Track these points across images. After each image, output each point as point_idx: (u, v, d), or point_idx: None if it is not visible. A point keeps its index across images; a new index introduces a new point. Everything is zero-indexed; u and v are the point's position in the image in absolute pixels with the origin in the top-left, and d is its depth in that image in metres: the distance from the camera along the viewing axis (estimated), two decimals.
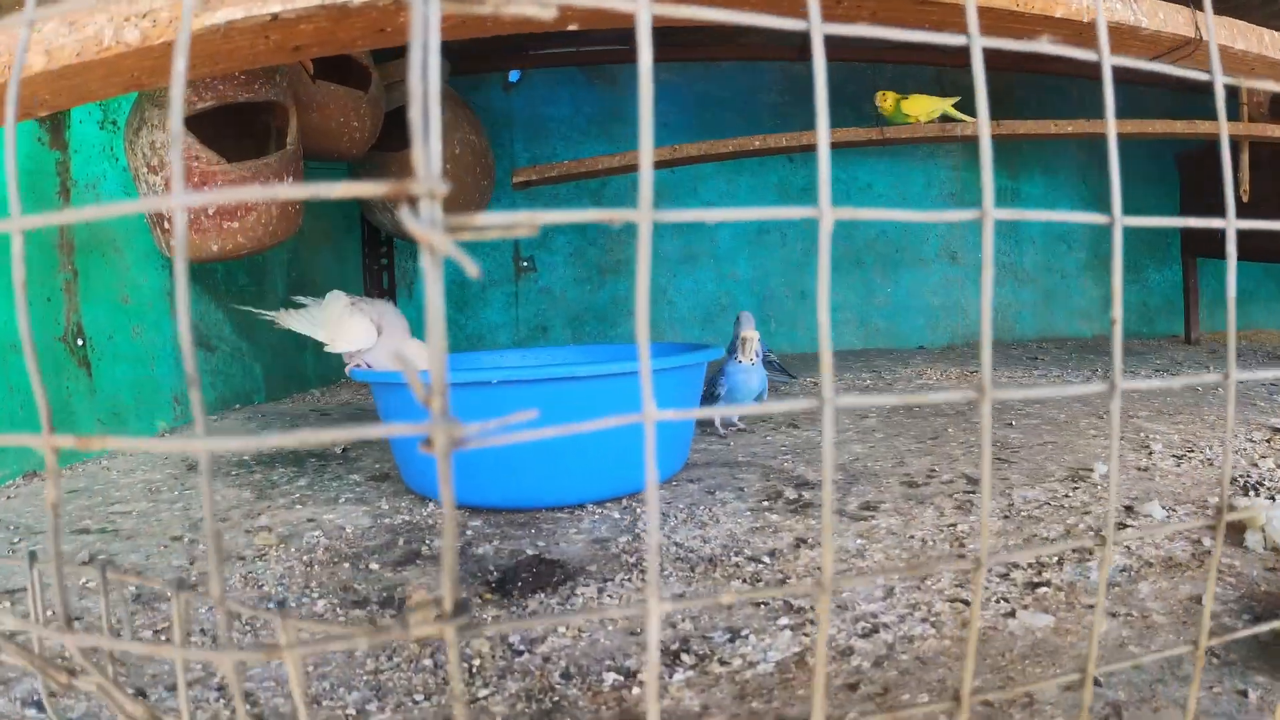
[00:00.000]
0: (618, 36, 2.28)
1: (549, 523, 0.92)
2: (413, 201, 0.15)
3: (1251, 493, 0.86)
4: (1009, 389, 0.26)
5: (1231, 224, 0.31)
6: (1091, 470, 0.97)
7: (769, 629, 0.59)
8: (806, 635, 0.57)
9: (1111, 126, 0.27)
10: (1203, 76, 0.30)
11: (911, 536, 0.76)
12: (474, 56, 2.50)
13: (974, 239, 2.77)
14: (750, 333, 1.26)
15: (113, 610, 0.52)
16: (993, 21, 0.80)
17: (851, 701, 0.49)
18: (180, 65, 0.17)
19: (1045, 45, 0.29)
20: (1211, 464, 1.00)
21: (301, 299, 1.31)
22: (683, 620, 0.61)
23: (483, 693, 0.54)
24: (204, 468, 0.19)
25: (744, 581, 0.68)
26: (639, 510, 0.93)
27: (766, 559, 0.73)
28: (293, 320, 1.25)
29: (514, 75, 2.61)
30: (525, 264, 2.66)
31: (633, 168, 1.99)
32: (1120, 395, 0.27)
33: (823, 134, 0.21)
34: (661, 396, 0.99)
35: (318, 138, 1.77)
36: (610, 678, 0.54)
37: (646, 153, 0.19)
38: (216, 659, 0.18)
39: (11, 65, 0.52)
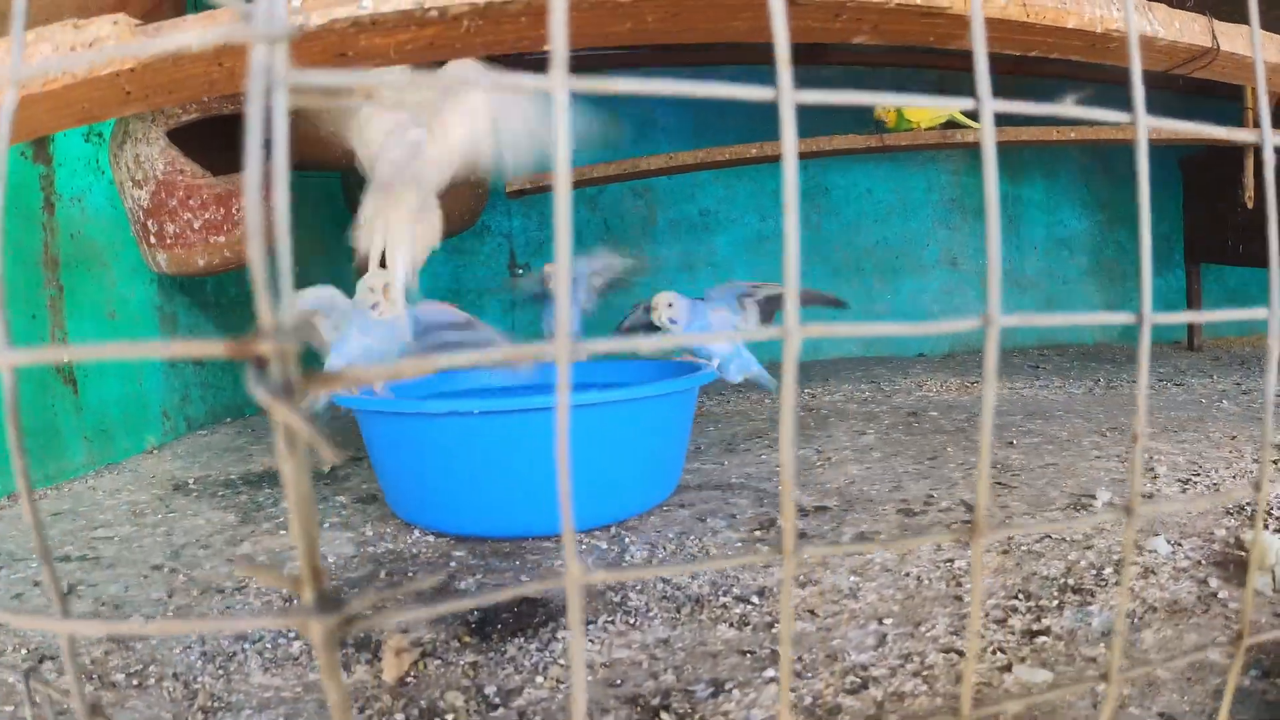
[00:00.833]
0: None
1: (535, 553, 0.89)
2: (260, 363, 0.12)
3: (1255, 509, 0.83)
4: (1015, 318, 0.23)
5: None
6: (1094, 498, 0.94)
7: (754, 681, 0.56)
8: (793, 691, 0.54)
9: (1144, 196, 0.24)
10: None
11: (907, 574, 0.74)
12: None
13: (975, 245, 2.74)
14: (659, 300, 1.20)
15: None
16: (1002, 34, 0.77)
17: None
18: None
19: (1070, 108, 0.27)
20: (1218, 490, 0.97)
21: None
22: (665, 671, 0.59)
23: None
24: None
25: (731, 625, 0.65)
26: (627, 540, 0.91)
27: (755, 599, 0.70)
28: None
29: None
30: (520, 271, 2.64)
31: (628, 175, 1.97)
32: (1149, 325, 0.25)
33: (790, 246, 0.18)
34: (651, 423, 0.96)
35: (309, 148, 1.75)
36: None
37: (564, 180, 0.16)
38: None
39: None
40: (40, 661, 0.71)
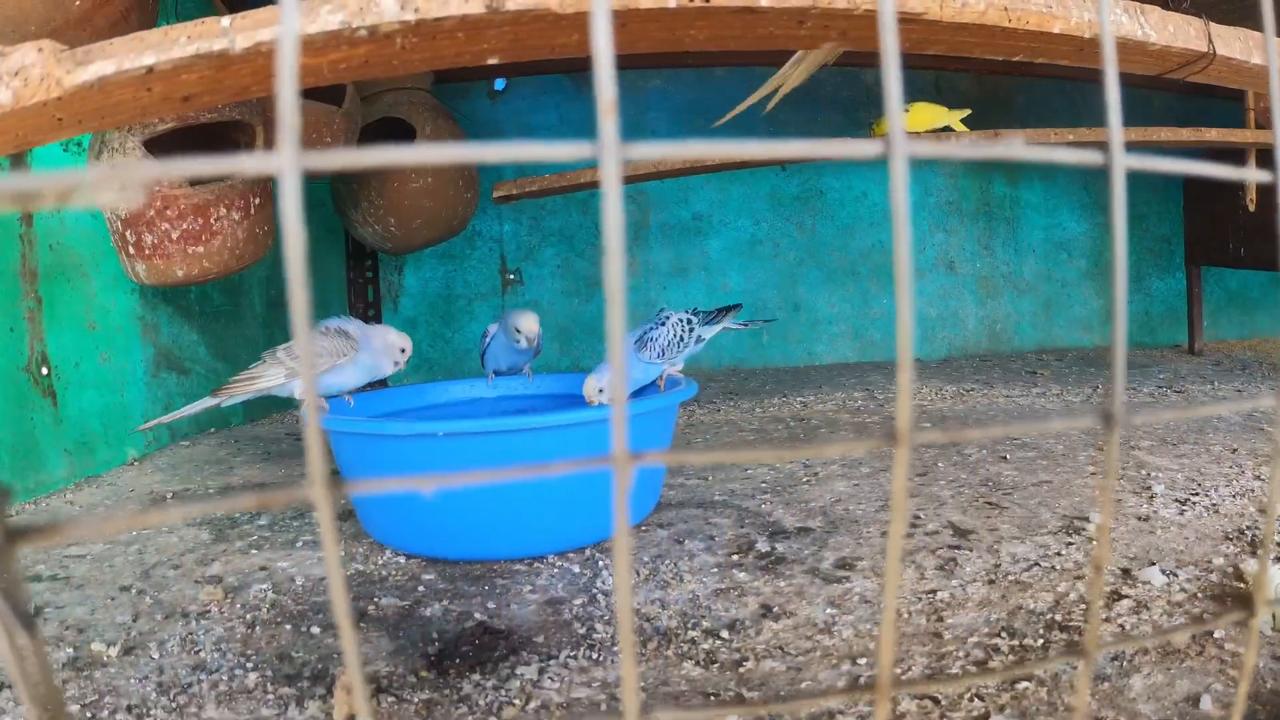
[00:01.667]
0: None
1: (505, 576, 0.87)
2: None
3: (1261, 549, 0.80)
4: (934, 433, 0.21)
5: None
6: (1088, 520, 0.91)
7: None
8: None
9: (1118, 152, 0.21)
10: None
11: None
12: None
13: (972, 248, 2.71)
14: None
15: None
16: (982, 40, 0.74)
17: None
18: None
19: (1017, 149, 0.24)
20: (1217, 511, 0.94)
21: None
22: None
23: None
24: None
25: (697, 664, 0.62)
26: (601, 563, 0.88)
27: (725, 633, 0.67)
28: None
29: (499, 83, 2.55)
30: (512, 276, 2.61)
31: None
32: (1118, 428, 0.22)
33: None
34: (633, 441, 0.93)
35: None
36: None
37: None
38: None
39: None
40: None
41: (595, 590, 0.80)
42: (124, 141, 1.39)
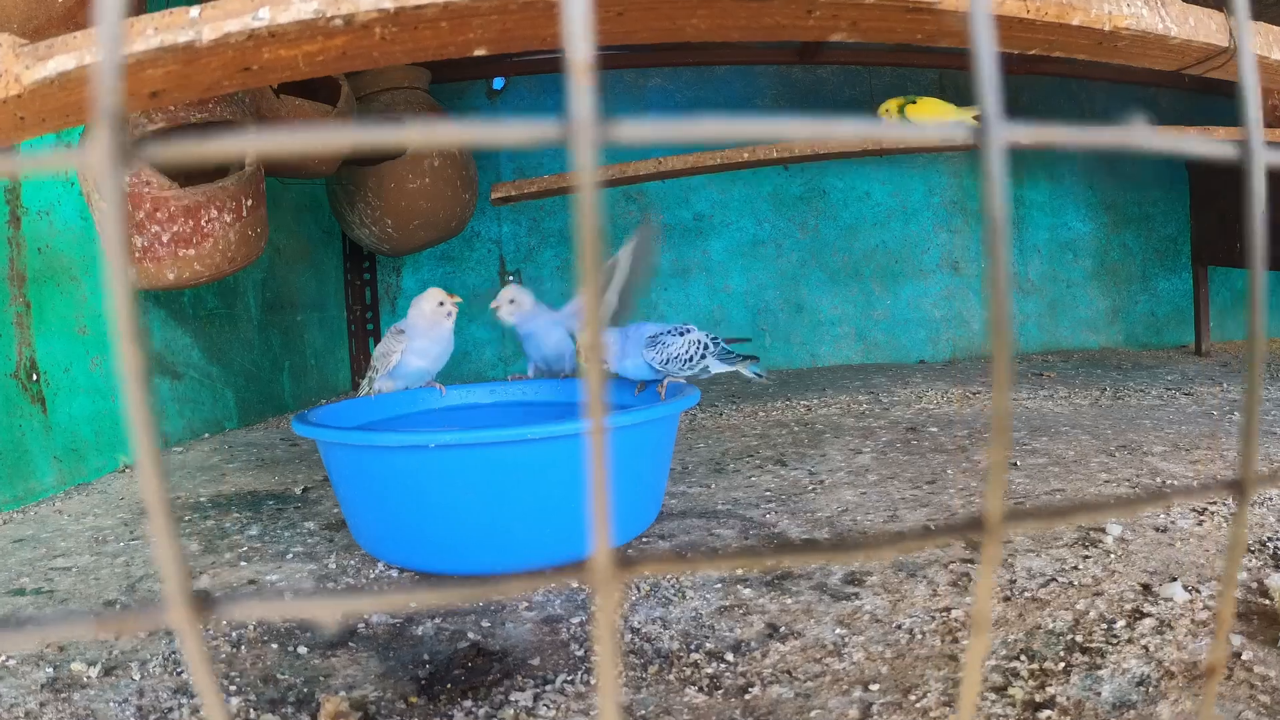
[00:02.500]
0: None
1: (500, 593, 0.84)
2: None
3: None
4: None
5: None
6: (1104, 531, 0.88)
7: None
8: None
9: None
10: None
11: (899, 625, 0.68)
12: (455, 63, 2.41)
13: (976, 248, 2.67)
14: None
15: None
16: (1000, 32, 0.71)
17: None
18: None
19: (1141, 135, 0.21)
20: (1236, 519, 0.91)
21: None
22: None
23: None
24: None
25: (700, 690, 0.59)
26: None
27: (730, 656, 0.64)
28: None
29: (498, 82, 2.52)
30: (511, 278, 2.58)
31: (615, 181, 1.91)
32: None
33: None
34: (629, 452, 0.90)
35: (284, 156, 1.69)
36: None
37: None
38: None
39: None
40: None
41: (594, 606, 0.77)
42: None
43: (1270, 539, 0.84)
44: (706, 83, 2.57)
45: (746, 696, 0.57)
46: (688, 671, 0.62)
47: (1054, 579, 0.75)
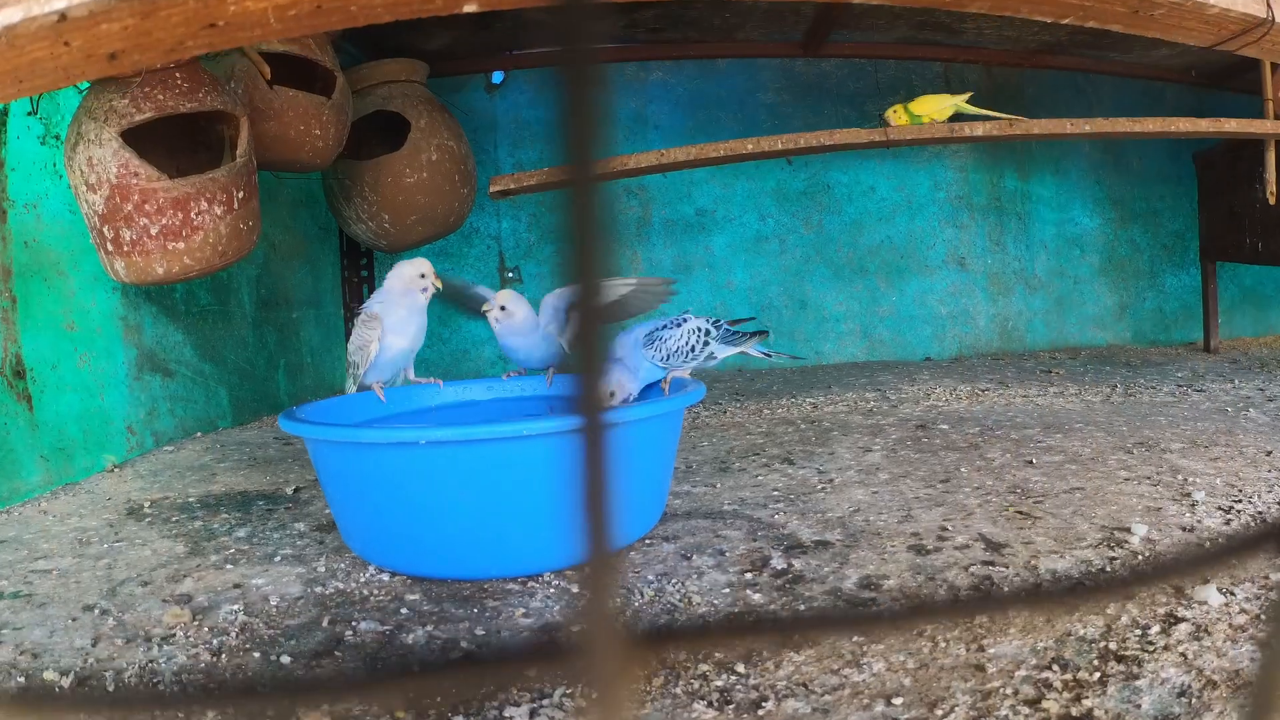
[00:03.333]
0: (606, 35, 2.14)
1: (496, 597, 0.80)
2: None
3: None
4: None
5: None
6: (1129, 530, 0.84)
7: None
8: None
9: None
10: None
11: (920, 632, 0.64)
12: (454, 57, 2.38)
13: (983, 244, 2.63)
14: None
15: None
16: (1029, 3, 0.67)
17: None
18: None
19: None
20: (1264, 520, 0.87)
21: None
22: None
23: None
24: None
25: (710, 705, 0.55)
26: None
27: (741, 667, 0.60)
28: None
29: (497, 76, 2.49)
30: (511, 274, 2.54)
31: (617, 174, 1.87)
32: None
33: None
34: (632, 450, 0.86)
35: (276, 148, 1.65)
36: None
37: None
38: None
39: None
40: None
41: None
42: (100, 132, 1.32)
43: None
44: (708, 76, 2.53)
45: (760, 712, 0.54)
46: (695, 684, 0.58)
47: (1081, 582, 0.71)
